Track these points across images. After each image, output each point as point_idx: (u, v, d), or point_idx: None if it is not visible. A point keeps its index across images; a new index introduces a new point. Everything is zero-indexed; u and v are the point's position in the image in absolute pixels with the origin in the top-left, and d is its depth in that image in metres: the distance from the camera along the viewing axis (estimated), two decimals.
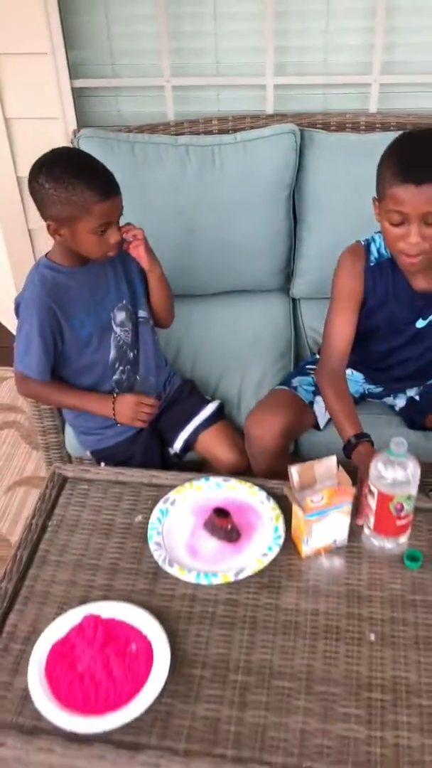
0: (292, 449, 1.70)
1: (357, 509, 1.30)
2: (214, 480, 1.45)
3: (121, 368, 1.59)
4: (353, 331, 1.51)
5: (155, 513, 1.37)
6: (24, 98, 2.05)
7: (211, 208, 1.89)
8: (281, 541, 1.30)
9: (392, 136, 1.82)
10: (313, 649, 1.14)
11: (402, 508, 1.21)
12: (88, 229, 1.36)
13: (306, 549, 1.28)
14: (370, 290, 1.49)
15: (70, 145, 1.94)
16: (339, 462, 1.26)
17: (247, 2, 1.93)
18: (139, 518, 1.39)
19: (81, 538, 1.36)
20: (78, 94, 2.07)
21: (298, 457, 1.72)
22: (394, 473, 1.19)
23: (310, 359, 1.78)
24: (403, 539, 1.29)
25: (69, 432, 1.74)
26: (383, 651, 1.14)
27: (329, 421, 1.64)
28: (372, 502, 1.24)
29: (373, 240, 1.49)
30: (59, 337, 1.48)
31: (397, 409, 1.73)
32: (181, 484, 1.44)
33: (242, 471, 1.60)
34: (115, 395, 1.57)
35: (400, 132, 1.39)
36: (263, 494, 1.40)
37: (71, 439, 1.73)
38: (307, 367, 1.73)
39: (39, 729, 1.05)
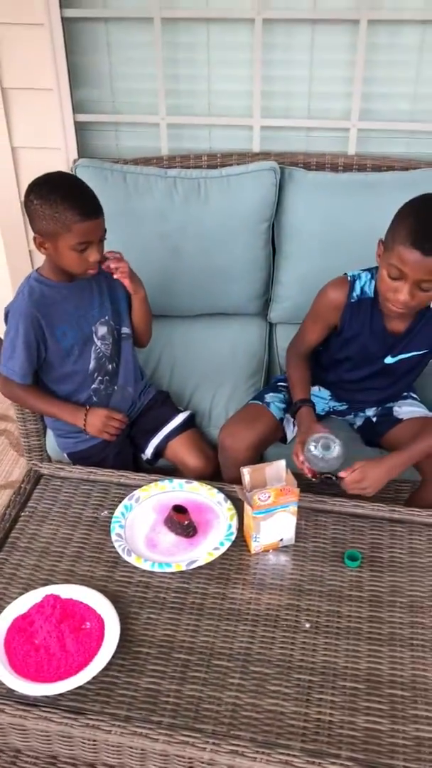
0: (258, 461, 1.80)
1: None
2: (178, 482, 1.56)
3: (99, 378, 1.70)
4: (320, 339, 1.71)
5: (120, 508, 1.48)
6: (30, 129, 2.22)
7: (195, 235, 2.03)
8: (233, 537, 1.40)
9: (368, 177, 2.00)
10: (252, 634, 1.24)
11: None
12: (69, 246, 1.48)
13: (255, 545, 1.38)
14: (347, 322, 1.62)
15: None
16: (288, 467, 1.37)
17: (238, 51, 2.11)
18: (105, 513, 1.50)
19: (50, 528, 1.47)
20: (80, 128, 2.24)
21: None
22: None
23: (281, 377, 1.90)
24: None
25: (50, 435, 1.86)
26: (316, 638, 1.23)
27: (296, 436, 1.75)
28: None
29: (359, 277, 1.59)
30: (43, 346, 1.61)
31: (355, 427, 1.84)
32: (147, 484, 1.55)
33: (208, 477, 1.70)
34: (87, 408, 1.68)
35: (424, 194, 1.43)
36: (221, 496, 1.51)
37: (52, 442, 1.85)
38: (279, 384, 1.85)
39: None
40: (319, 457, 1.42)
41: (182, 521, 1.42)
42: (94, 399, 1.71)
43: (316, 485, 1.55)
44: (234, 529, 1.42)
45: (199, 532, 1.44)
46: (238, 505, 1.46)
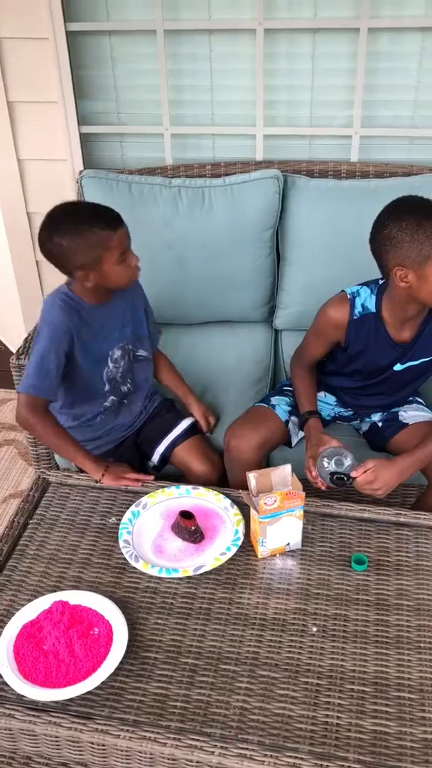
0: (264, 464, 1.81)
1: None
2: (185, 488, 1.57)
3: (112, 398, 1.71)
4: (324, 353, 1.73)
5: (127, 514, 1.49)
6: (36, 142, 2.25)
7: (200, 244, 2.05)
8: (240, 542, 1.41)
9: (370, 183, 2.02)
10: (259, 638, 1.25)
11: None
12: (113, 262, 1.48)
13: (262, 550, 1.39)
14: (352, 339, 1.62)
15: (75, 186, 2.13)
16: (294, 471, 1.38)
17: (240, 61, 2.13)
18: (113, 519, 1.51)
19: (58, 535, 1.48)
20: (85, 139, 2.26)
21: None
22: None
23: (287, 382, 1.91)
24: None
25: None
26: (323, 642, 1.23)
27: (301, 439, 1.76)
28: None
29: (359, 294, 1.59)
30: (71, 359, 1.58)
31: (361, 432, 1.84)
32: (154, 490, 1.56)
33: (213, 482, 1.71)
34: (107, 466, 1.61)
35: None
36: (228, 501, 1.52)
37: None
38: (285, 388, 1.86)
39: (4, 697, 1.16)
40: (333, 472, 1.46)
41: (189, 527, 1.42)
42: (102, 417, 1.72)
43: (322, 489, 1.55)
44: (241, 535, 1.43)
45: (206, 538, 1.45)
46: (245, 511, 1.46)
